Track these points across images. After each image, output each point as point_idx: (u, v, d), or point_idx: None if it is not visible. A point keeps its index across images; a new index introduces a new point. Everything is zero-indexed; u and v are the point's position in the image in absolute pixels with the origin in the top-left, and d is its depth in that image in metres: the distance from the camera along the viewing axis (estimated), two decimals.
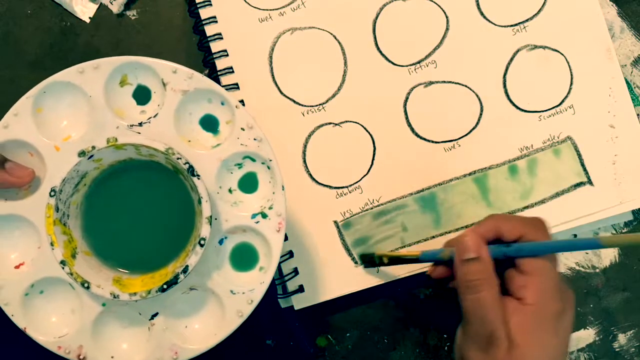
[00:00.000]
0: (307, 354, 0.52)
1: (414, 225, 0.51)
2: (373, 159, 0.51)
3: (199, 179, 0.40)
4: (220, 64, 0.52)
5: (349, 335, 0.52)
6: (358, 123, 0.51)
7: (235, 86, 0.52)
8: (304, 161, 0.51)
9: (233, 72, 0.52)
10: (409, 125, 0.51)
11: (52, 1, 0.54)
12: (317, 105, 0.52)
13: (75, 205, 0.42)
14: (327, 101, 0.52)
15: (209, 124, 0.43)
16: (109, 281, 0.41)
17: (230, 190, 0.43)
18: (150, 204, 0.43)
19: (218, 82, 0.52)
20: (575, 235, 0.52)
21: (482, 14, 0.52)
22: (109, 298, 0.40)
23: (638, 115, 0.51)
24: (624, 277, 0.52)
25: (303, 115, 0.52)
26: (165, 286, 0.39)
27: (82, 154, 0.40)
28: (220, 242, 0.42)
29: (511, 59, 0.52)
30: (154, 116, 0.42)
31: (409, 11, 0.52)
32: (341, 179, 0.51)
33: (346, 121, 0.51)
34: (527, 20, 0.52)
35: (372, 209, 0.51)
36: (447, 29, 0.52)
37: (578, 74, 0.51)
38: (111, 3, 0.54)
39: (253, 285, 0.42)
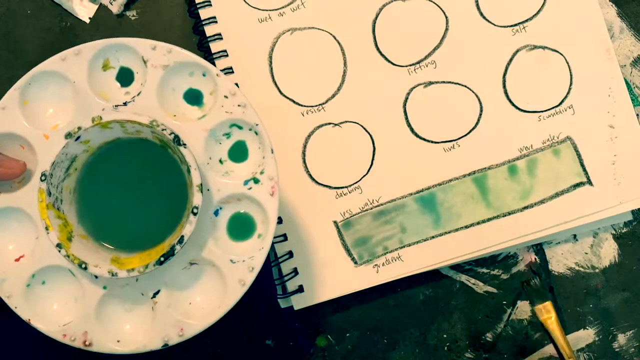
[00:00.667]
0: (307, 354, 0.52)
1: (413, 225, 0.51)
2: (373, 159, 0.51)
3: (185, 147, 0.40)
4: (220, 64, 0.52)
5: (348, 335, 0.52)
6: (358, 123, 0.51)
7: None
8: (304, 161, 0.51)
9: (233, 72, 0.52)
10: (409, 125, 0.51)
11: (52, 1, 0.54)
12: (316, 106, 0.52)
13: (68, 191, 0.42)
14: (326, 101, 0.52)
15: (193, 97, 0.43)
16: (107, 261, 0.40)
17: (221, 161, 0.42)
18: (143, 182, 0.43)
19: None
20: (575, 236, 0.52)
21: (481, 14, 0.52)
22: (107, 277, 0.39)
23: (638, 115, 0.51)
24: (623, 277, 0.52)
25: (303, 115, 0.52)
26: (162, 259, 0.39)
27: (68, 135, 0.40)
28: (216, 213, 0.42)
29: (511, 59, 0.52)
30: (137, 94, 0.42)
31: (409, 11, 0.52)
32: (341, 179, 0.51)
33: (346, 121, 0.51)
34: (526, 21, 0.52)
35: (371, 209, 0.51)
36: (446, 29, 0.52)
37: (577, 74, 0.51)
38: (111, 3, 0.54)
39: (252, 252, 0.41)
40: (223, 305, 0.41)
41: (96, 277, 0.41)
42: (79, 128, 0.40)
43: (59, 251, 0.40)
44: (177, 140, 0.40)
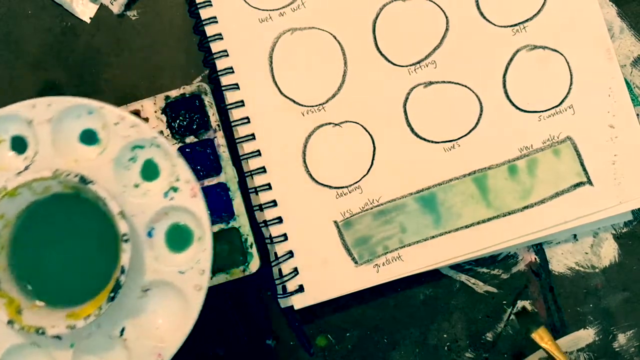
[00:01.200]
0: (307, 354, 0.52)
1: (413, 225, 0.51)
2: (373, 159, 0.51)
3: (93, 184, 0.40)
4: (220, 64, 0.52)
5: (348, 335, 0.52)
6: (358, 123, 0.51)
7: (235, 86, 0.52)
8: (304, 161, 0.51)
9: (233, 72, 0.52)
10: (409, 125, 0.51)
11: (53, 1, 0.54)
12: (317, 106, 0.52)
13: (2, 270, 0.42)
14: (327, 101, 0.52)
15: (88, 137, 0.43)
16: (62, 319, 0.40)
17: (136, 185, 0.43)
18: (72, 235, 0.43)
19: (218, 82, 0.52)
20: (575, 236, 0.52)
21: (481, 14, 0.52)
22: (66, 332, 0.39)
23: (638, 115, 0.51)
24: (623, 277, 0.52)
25: (303, 115, 0.52)
26: (112, 294, 0.39)
27: None
28: (149, 234, 0.42)
29: (511, 59, 0.52)
30: (35, 155, 0.42)
31: (409, 11, 0.52)
32: (341, 179, 0.51)
33: (346, 121, 0.52)
34: (526, 21, 0.52)
35: (372, 209, 0.51)
36: (446, 29, 0.52)
37: (578, 74, 0.51)
38: (111, 3, 0.54)
39: (197, 256, 0.42)
40: (189, 316, 0.41)
41: (59, 337, 0.41)
42: None
43: (12, 327, 0.40)
44: (83, 180, 0.40)
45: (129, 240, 0.39)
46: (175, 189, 0.42)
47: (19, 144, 0.43)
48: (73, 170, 0.40)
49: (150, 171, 0.43)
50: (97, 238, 0.43)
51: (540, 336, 0.48)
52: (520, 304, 0.52)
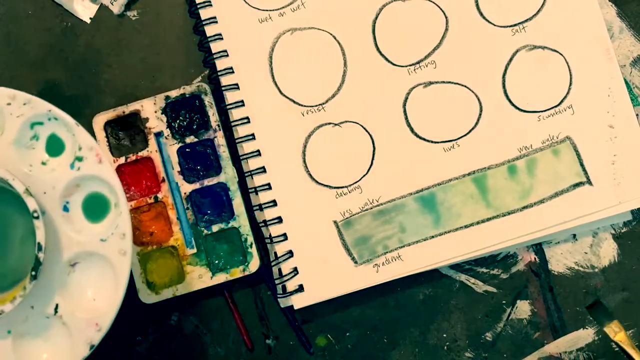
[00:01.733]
0: (307, 354, 0.52)
1: (413, 225, 0.51)
2: (372, 159, 0.51)
3: None
4: (221, 64, 0.52)
5: (348, 335, 0.52)
6: (358, 123, 0.52)
7: (235, 86, 0.52)
8: (304, 161, 0.51)
9: (233, 72, 0.52)
10: (409, 125, 0.51)
11: (53, 1, 0.54)
12: (316, 106, 0.52)
13: None
14: (326, 101, 0.52)
15: None
16: None
17: (43, 163, 0.42)
18: None
19: (218, 82, 0.52)
20: (574, 236, 0.52)
21: (481, 14, 0.52)
22: None
23: (637, 115, 0.51)
24: (623, 277, 0.52)
25: (303, 115, 0.52)
26: (33, 272, 0.39)
27: None
28: (65, 208, 0.42)
29: (510, 59, 0.52)
30: None
31: (409, 12, 0.52)
32: (341, 179, 0.51)
33: (346, 121, 0.52)
34: (526, 21, 0.52)
35: (371, 208, 0.51)
36: (446, 29, 0.52)
37: (577, 74, 0.51)
38: (112, 3, 0.54)
39: (116, 222, 0.42)
40: (119, 282, 0.41)
41: None
42: None
43: None
44: None
45: (40, 217, 0.39)
46: (79, 159, 0.41)
47: None
48: None
49: (55, 146, 0.42)
50: (15, 223, 0.42)
51: (614, 330, 0.48)
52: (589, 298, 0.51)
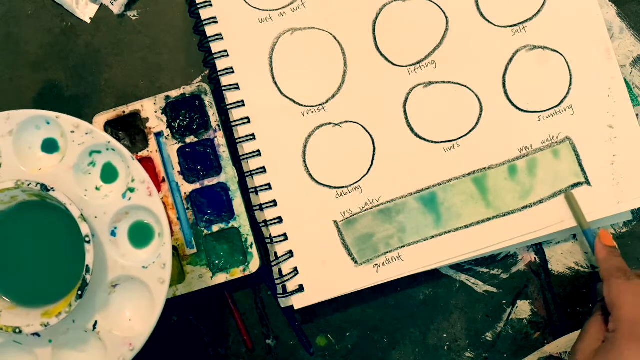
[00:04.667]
0: (307, 353, 0.52)
1: (413, 225, 0.51)
2: (373, 159, 0.51)
3: (53, 190, 0.42)
4: (221, 64, 0.52)
5: (348, 335, 0.52)
6: (358, 123, 0.52)
7: (235, 86, 0.52)
8: (304, 161, 0.51)
9: (233, 72, 0.52)
10: (409, 125, 0.51)
11: (53, 2, 0.54)
12: (317, 106, 0.52)
13: None
14: (327, 101, 0.52)
15: (50, 146, 0.45)
16: (38, 318, 0.43)
17: (97, 188, 0.45)
18: (43, 240, 0.46)
19: (218, 82, 0.52)
20: (574, 236, 0.52)
21: (481, 14, 0.52)
22: (41, 329, 0.42)
23: (637, 115, 0.51)
24: None
25: (303, 115, 0.52)
26: (79, 292, 0.42)
27: None
28: (113, 233, 0.45)
29: (510, 60, 0.52)
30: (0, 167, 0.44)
31: (409, 12, 0.52)
32: (341, 179, 0.51)
33: (346, 121, 0.52)
34: (526, 21, 0.52)
35: (372, 208, 0.51)
36: (446, 29, 0.52)
37: (577, 75, 0.51)
38: (112, 4, 0.54)
39: (158, 251, 0.44)
40: (155, 308, 0.44)
41: (38, 335, 0.44)
42: None
43: None
44: (44, 188, 0.42)
45: (91, 241, 0.42)
46: (132, 190, 0.44)
47: None
48: (35, 179, 0.43)
49: (109, 174, 0.45)
50: (65, 240, 0.45)
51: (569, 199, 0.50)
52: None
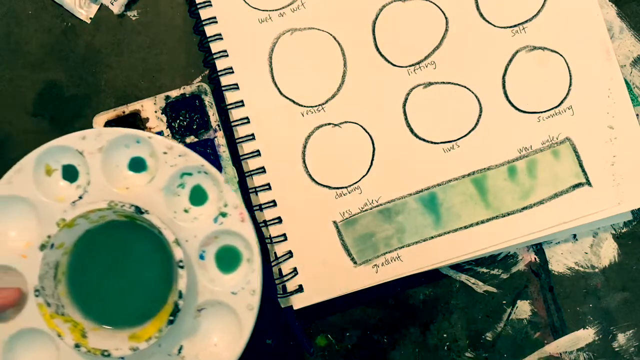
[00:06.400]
0: (307, 354, 0.52)
1: (413, 225, 0.51)
2: (372, 159, 0.51)
3: (148, 213, 0.42)
4: (220, 64, 0.52)
5: (348, 335, 0.52)
6: (357, 124, 0.52)
7: (235, 86, 0.52)
8: (304, 162, 0.51)
9: (233, 72, 0.52)
10: (408, 125, 0.51)
11: (53, 2, 0.54)
12: (316, 106, 0.52)
13: (64, 295, 0.44)
14: (326, 102, 0.52)
15: (137, 165, 0.45)
16: (125, 341, 0.42)
17: (186, 210, 0.45)
18: (129, 259, 0.45)
19: (218, 82, 0.52)
20: (574, 236, 0.52)
21: (481, 15, 0.52)
22: (130, 354, 0.42)
23: (637, 115, 0.51)
24: (623, 277, 0.52)
25: (302, 115, 0.52)
26: (171, 318, 0.42)
27: (42, 247, 0.42)
28: (201, 257, 0.44)
29: (510, 60, 0.52)
30: (88, 184, 0.44)
31: (409, 12, 0.52)
32: (340, 180, 0.51)
33: (345, 122, 0.52)
34: (526, 22, 0.52)
35: (371, 209, 0.51)
36: (446, 29, 0.52)
37: (577, 75, 0.51)
38: (112, 4, 0.54)
39: (248, 277, 0.44)
40: (242, 334, 0.44)
41: (123, 358, 0.43)
42: (49, 236, 0.42)
43: (79, 350, 0.42)
44: (138, 210, 0.42)
45: (185, 266, 0.41)
46: (224, 214, 0.44)
47: (69, 173, 0.45)
48: (127, 199, 0.43)
49: (198, 196, 0.45)
50: (151, 261, 0.45)
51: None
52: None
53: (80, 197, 0.44)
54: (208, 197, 0.45)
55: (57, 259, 0.44)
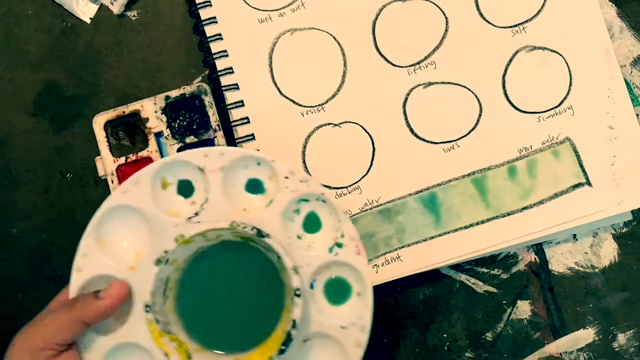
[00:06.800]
0: None
1: (413, 225, 0.51)
2: (372, 159, 0.51)
3: (269, 237, 0.41)
4: (220, 64, 0.52)
5: None
6: (357, 124, 0.52)
7: (235, 86, 0.52)
8: (304, 162, 0.51)
9: (233, 72, 0.52)
10: (408, 125, 0.51)
11: (53, 2, 0.54)
12: (316, 106, 0.52)
13: (171, 312, 0.43)
14: (326, 102, 0.52)
15: (254, 186, 0.44)
16: None
17: (299, 237, 0.44)
18: (234, 280, 0.44)
19: (218, 82, 0.52)
20: (574, 236, 0.52)
21: (481, 15, 0.52)
22: None
23: (638, 115, 0.51)
24: (623, 277, 0.52)
25: (302, 115, 0.52)
26: (283, 347, 0.40)
27: (158, 262, 0.41)
28: (311, 286, 0.43)
29: (510, 60, 0.52)
30: (205, 201, 0.43)
31: (409, 12, 0.52)
32: (340, 180, 0.51)
33: (345, 122, 0.52)
34: (526, 22, 0.52)
35: (371, 209, 0.51)
36: (446, 30, 0.52)
37: (577, 75, 0.51)
38: (112, 4, 0.54)
39: (359, 312, 0.43)
40: None
41: None
42: (166, 252, 0.41)
43: None
44: (259, 233, 0.41)
45: (301, 295, 0.40)
46: (339, 245, 0.43)
47: (185, 188, 0.44)
48: (246, 221, 0.42)
49: (312, 224, 0.44)
50: (260, 285, 0.44)
51: None
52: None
53: (196, 214, 0.43)
54: (322, 225, 0.44)
55: (167, 275, 0.42)
